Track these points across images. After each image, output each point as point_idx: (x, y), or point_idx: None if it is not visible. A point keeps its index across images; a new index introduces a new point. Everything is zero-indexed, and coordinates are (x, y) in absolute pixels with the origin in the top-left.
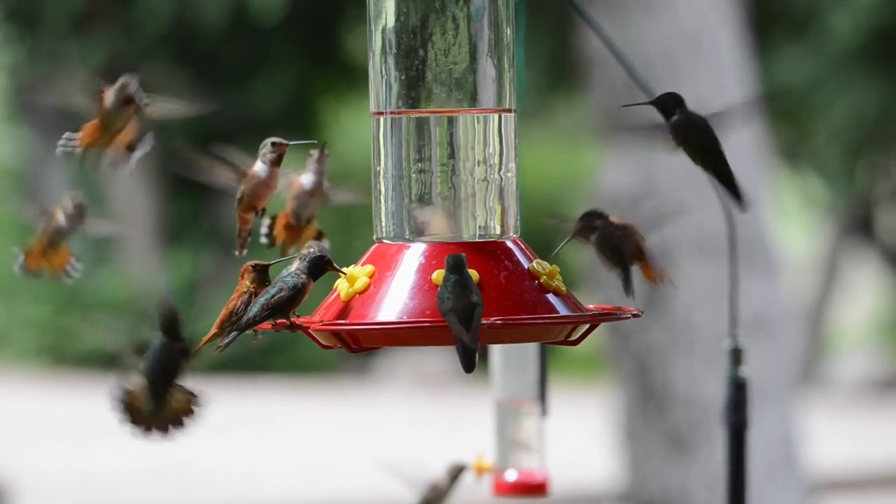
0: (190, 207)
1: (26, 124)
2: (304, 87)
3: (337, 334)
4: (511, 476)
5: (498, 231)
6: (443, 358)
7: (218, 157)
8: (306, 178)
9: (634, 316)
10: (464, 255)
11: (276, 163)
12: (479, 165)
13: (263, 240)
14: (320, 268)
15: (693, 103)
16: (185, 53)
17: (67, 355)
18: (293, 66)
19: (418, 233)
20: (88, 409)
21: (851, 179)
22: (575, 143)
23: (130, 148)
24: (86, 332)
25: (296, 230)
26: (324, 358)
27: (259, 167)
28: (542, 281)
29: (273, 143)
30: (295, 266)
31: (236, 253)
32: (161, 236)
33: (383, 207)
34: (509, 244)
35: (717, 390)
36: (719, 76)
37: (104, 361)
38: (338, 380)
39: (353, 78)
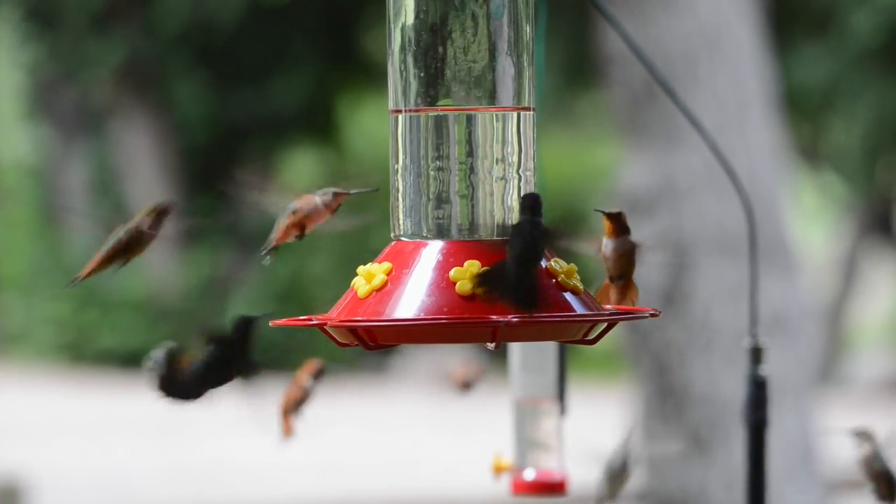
0: (208, 206)
1: (45, 122)
2: (323, 86)
3: (353, 331)
4: (529, 475)
5: None
6: (461, 356)
7: (275, 185)
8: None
9: (652, 315)
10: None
11: (332, 207)
12: (497, 164)
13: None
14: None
15: (712, 102)
16: (203, 52)
17: (86, 352)
18: (311, 64)
19: (436, 231)
20: (107, 407)
21: (871, 178)
22: (593, 142)
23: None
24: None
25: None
26: (341, 356)
27: (316, 198)
28: (559, 279)
29: (335, 193)
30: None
31: (264, 254)
32: (179, 235)
33: (401, 205)
34: None
35: (735, 389)
36: (739, 74)
37: (123, 359)
38: (356, 378)
39: (371, 76)
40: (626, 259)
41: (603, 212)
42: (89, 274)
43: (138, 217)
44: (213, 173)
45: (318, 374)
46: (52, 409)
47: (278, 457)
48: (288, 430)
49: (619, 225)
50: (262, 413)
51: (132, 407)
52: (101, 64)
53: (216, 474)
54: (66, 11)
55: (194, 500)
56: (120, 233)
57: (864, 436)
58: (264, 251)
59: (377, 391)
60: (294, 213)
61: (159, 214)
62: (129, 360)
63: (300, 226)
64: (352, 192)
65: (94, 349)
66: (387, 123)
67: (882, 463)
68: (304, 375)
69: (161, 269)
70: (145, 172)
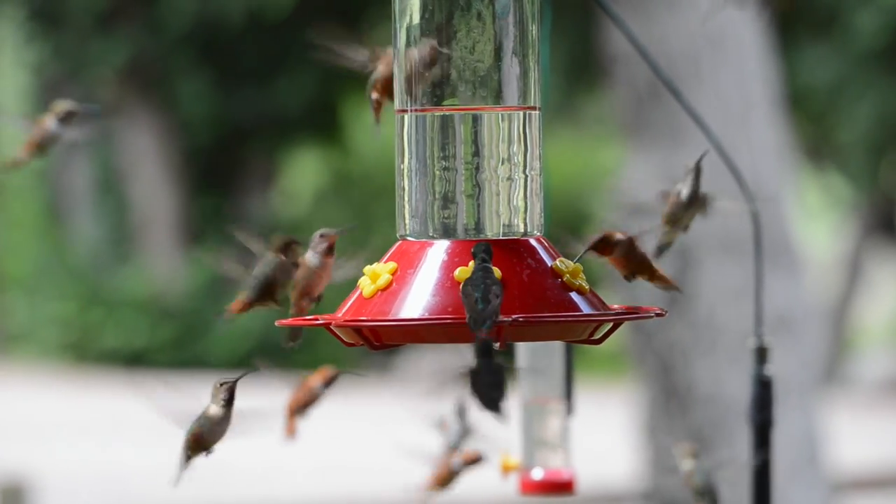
0: (212, 205)
1: None
2: (327, 86)
3: (358, 331)
4: (537, 475)
5: (522, 229)
6: (467, 357)
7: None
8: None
9: (657, 315)
10: (489, 244)
11: (328, 253)
12: (503, 163)
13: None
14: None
15: (716, 101)
16: (208, 52)
17: (90, 352)
18: (315, 64)
19: (442, 230)
20: (111, 406)
21: (875, 178)
22: (597, 141)
23: None
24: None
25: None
26: (345, 355)
27: (311, 256)
28: (565, 279)
29: (321, 235)
30: (308, 254)
31: (290, 344)
32: (183, 234)
33: (407, 205)
34: (533, 242)
35: (740, 389)
36: (742, 74)
37: (127, 358)
38: (361, 378)
39: None
40: (632, 261)
41: (596, 246)
42: (241, 310)
43: (274, 249)
44: (217, 173)
45: (330, 381)
46: (56, 408)
47: (282, 458)
48: (291, 431)
49: (611, 249)
50: (268, 414)
51: (136, 406)
52: (105, 63)
53: (220, 475)
54: (71, 11)
55: (198, 500)
56: (264, 267)
57: (688, 453)
58: (290, 343)
59: (382, 391)
60: (294, 287)
61: (290, 245)
62: (133, 360)
63: (306, 294)
64: (337, 232)
65: (99, 349)
66: (392, 123)
67: (703, 477)
68: (315, 379)
69: (165, 268)
70: (149, 172)
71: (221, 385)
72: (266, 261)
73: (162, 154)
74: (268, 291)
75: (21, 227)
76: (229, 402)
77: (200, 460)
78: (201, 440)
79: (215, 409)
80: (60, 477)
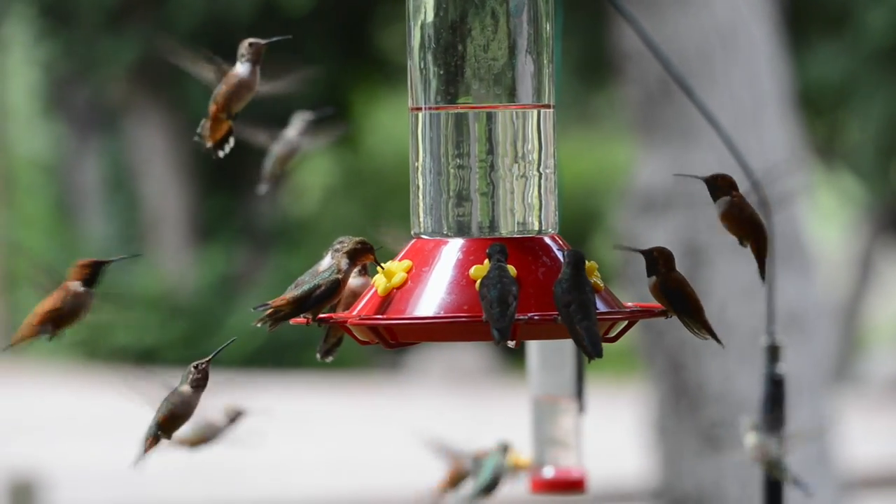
0: (222, 204)
1: (60, 119)
2: (338, 83)
3: (374, 329)
4: (548, 473)
5: (536, 227)
6: (476, 354)
7: (202, 55)
8: (241, 69)
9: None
10: (504, 245)
11: (255, 62)
12: (517, 161)
13: (196, 138)
14: (358, 255)
15: (728, 99)
16: (217, 49)
17: (101, 350)
18: (327, 62)
19: (456, 228)
20: (121, 404)
21: (886, 177)
22: (609, 139)
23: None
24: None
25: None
26: (357, 353)
27: (239, 67)
28: None
29: (250, 44)
30: (327, 260)
31: (214, 152)
32: (194, 232)
33: (421, 203)
34: (547, 240)
35: (750, 387)
36: (754, 72)
37: (138, 356)
38: (371, 375)
39: (386, 73)
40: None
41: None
42: (276, 314)
43: (337, 261)
44: (227, 171)
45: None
46: (66, 405)
47: (294, 455)
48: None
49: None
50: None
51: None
52: (115, 61)
53: (231, 472)
54: (81, 9)
55: (208, 497)
56: (319, 279)
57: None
58: (211, 150)
59: (391, 388)
60: (214, 99)
61: (358, 254)
62: (143, 357)
63: (225, 108)
64: (266, 41)
65: (109, 346)
66: (405, 121)
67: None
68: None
69: (175, 266)
70: (159, 170)
71: (195, 367)
72: (328, 275)
73: (172, 152)
74: (315, 307)
75: (31, 224)
76: (201, 383)
77: (206, 457)
78: (173, 419)
79: (186, 389)
80: (70, 474)
